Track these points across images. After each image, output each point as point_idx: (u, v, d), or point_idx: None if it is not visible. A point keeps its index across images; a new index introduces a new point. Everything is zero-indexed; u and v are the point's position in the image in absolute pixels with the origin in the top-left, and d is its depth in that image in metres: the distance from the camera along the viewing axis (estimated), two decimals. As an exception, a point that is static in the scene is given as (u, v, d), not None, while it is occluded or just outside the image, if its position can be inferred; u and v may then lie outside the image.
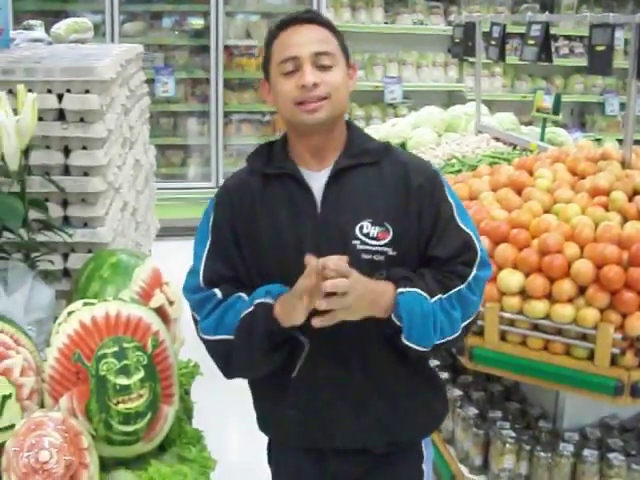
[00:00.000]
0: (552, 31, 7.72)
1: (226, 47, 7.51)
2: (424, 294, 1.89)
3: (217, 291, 1.98)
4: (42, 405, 1.89)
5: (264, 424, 2.15)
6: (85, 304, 1.95)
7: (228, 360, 1.97)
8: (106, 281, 2.24)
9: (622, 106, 8.60)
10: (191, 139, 7.82)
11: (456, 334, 1.96)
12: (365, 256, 1.91)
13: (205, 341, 1.99)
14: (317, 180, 1.97)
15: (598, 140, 7.72)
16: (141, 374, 1.86)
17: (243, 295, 1.95)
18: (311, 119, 1.90)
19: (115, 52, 3.21)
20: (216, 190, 7.27)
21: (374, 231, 1.92)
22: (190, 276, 2.05)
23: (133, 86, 3.78)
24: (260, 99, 7.75)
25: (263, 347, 1.90)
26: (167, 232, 6.59)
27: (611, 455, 2.88)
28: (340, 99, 1.93)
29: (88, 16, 6.91)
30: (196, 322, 2.02)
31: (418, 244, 1.96)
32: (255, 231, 1.98)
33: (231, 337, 1.93)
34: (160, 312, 2.13)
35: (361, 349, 1.96)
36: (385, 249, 1.92)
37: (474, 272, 1.98)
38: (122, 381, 1.84)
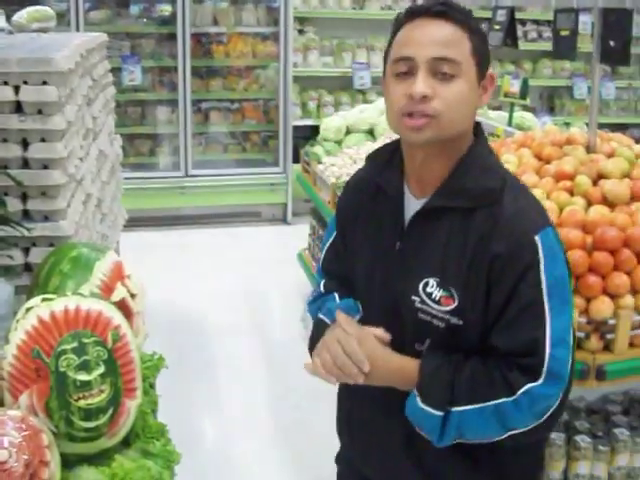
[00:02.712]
0: (520, 16, 7.78)
1: (194, 34, 7.45)
2: (434, 412, 1.68)
3: (322, 282, 2.05)
4: (2, 403, 1.87)
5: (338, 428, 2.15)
6: (44, 299, 1.92)
7: (312, 340, 1.98)
8: (66, 276, 2.22)
9: (591, 90, 8.65)
10: (159, 128, 7.76)
11: (494, 439, 1.71)
12: (423, 316, 1.73)
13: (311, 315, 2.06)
14: (414, 208, 1.76)
15: (567, 124, 7.77)
16: (102, 369, 1.85)
17: (336, 295, 1.98)
18: (415, 137, 1.65)
19: (76, 42, 3.17)
20: (185, 179, 7.27)
21: (437, 293, 1.71)
22: (320, 259, 2.12)
23: (96, 76, 3.74)
24: (228, 87, 7.72)
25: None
26: (136, 222, 6.57)
27: (578, 437, 2.90)
28: (453, 119, 1.64)
29: (53, 4, 6.84)
30: None
31: (484, 318, 1.70)
32: (350, 241, 1.95)
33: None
34: (122, 305, 2.12)
35: (409, 433, 1.80)
36: (447, 317, 1.71)
37: (528, 386, 1.64)
38: (82, 377, 1.82)
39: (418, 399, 1.71)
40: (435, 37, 1.63)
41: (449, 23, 1.65)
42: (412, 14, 1.68)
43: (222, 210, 7.53)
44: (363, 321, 1.86)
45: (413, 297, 1.74)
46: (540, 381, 1.64)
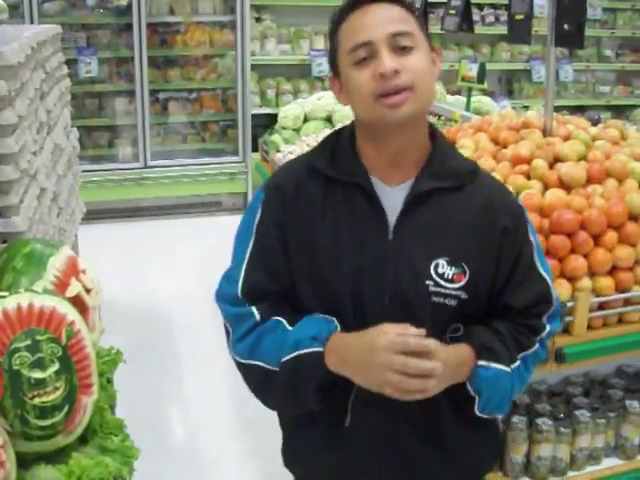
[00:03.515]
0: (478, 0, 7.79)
1: (150, 24, 7.38)
2: (507, 369, 1.74)
3: (255, 311, 1.74)
4: (-45, 403, 1.84)
5: (292, 462, 1.97)
6: (-4, 297, 1.89)
7: (261, 389, 1.80)
8: (19, 272, 2.18)
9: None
10: (117, 119, 7.68)
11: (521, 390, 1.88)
12: (436, 299, 1.70)
13: (237, 362, 1.81)
14: (391, 197, 1.71)
15: (526, 107, 7.83)
16: (56, 366, 1.82)
17: (283, 322, 1.72)
18: (396, 115, 1.62)
19: (26, 34, 3.11)
20: (144, 170, 7.18)
21: (450, 272, 1.69)
22: (227, 282, 1.81)
23: (50, 68, 3.69)
24: (186, 77, 7.66)
25: (309, 398, 1.72)
26: (96, 215, 6.52)
27: (539, 420, 2.91)
28: (426, 89, 1.65)
29: (5, -4, 6.73)
30: (228, 334, 1.82)
31: (492, 288, 1.77)
32: (311, 244, 1.72)
33: (266, 366, 1.73)
34: (77, 301, 2.09)
35: (427, 403, 1.67)
36: (459, 293, 1.70)
37: (547, 328, 1.84)
38: (37, 375, 1.79)
39: (492, 364, 1.72)
40: (387, 16, 1.65)
41: (392, 4, 1.68)
42: (353, 4, 1.69)
43: (182, 201, 7.49)
44: (356, 328, 1.69)
45: (427, 282, 1.69)
46: (551, 322, 1.85)
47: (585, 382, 3.21)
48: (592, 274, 2.81)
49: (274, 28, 7.80)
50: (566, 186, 3.03)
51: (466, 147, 3.41)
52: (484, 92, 6.47)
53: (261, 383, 1.78)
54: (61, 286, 2.17)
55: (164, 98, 7.77)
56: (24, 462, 1.82)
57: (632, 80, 9.40)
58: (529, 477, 2.90)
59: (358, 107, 1.69)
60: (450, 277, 1.69)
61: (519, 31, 3.60)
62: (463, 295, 1.71)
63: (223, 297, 1.81)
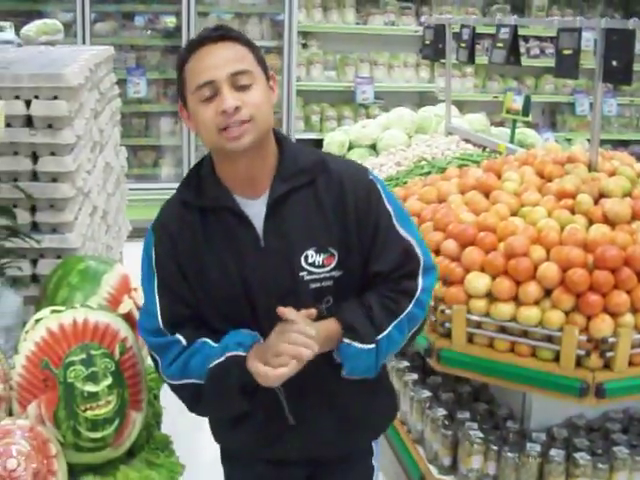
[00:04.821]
0: (523, 32, 7.82)
1: (198, 47, 7.48)
2: (369, 347, 1.88)
3: (180, 338, 1.89)
4: (10, 413, 1.90)
5: (218, 437, 2.14)
6: (52, 311, 1.96)
7: (194, 401, 1.92)
8: (74, 288, 2.25)
9: (592, 106, 8.67)
10: (163, 140, 7.78)
11: (401, 347, 1.99)
12: (313, 285, 1.89)
13: (170, 385, 1.93)
14: (255, 207, 1.89)
15: (569, 140, 7.81)
16: (109, 381, 1.88)
17: (209, 341, 1.88)
18: (237, 146, 1.80)
19: (84, 56, 3.21)
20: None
21: (319, 258, 1.89)
22: (146, 316, 1.94)
23: (103, 89, 3.78)
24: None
25: (236, 399, 1.88)
26: (139, 233, 6.57)
27: (577, 455, 2.92)
28: (264, 119, 1.83)
29: (59, 15, 6.88)
30: (156, 362, 1.93)
31: (362, 259, 1.93)
32: (202, 268, 1.89)
33: (196, 381, 1.87)
34: (128, 318, 2.15)
35: (318, 371, 1.89)
36: (332, 273, 1.90)
37: (420, 285, 1.95)
38: (90, 388, 1.85)
39: (354, 343, 1.88)
40: (226, 56, 1.81)
41: (231, 43, 1.84)
42: (195, 45, 1.83)
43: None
44: (262, 327, 1.88)
45: (301, 274, 1.87)
46: (425, 277, 1.96)
47: (624, 418, 3.21)
48: (635, 310, 2.82)
49: (320, 54, 7.87)
50: (610, 222, 3.04)
51: (512, 180, 3.44)
52: (528, 124, 6.47)
53: (193, 397, 1.91)
54: (114, 302, 2.23)
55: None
56: (73, 473, 1.88)
57: (676, 115, 9.34)
58: (565, 511, 2.90)
59: (205, 138, 1.85)
60: (321, 263, 1.89)
61: (567, 66, 3.63)
62: (336, 274, 1.90)
63: (146, 330, 1.94)
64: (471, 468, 3.02)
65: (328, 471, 2.11)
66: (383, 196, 1.97)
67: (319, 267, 1.89)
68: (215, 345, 1.87)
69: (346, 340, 1.88)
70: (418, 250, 1.97)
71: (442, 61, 5.94)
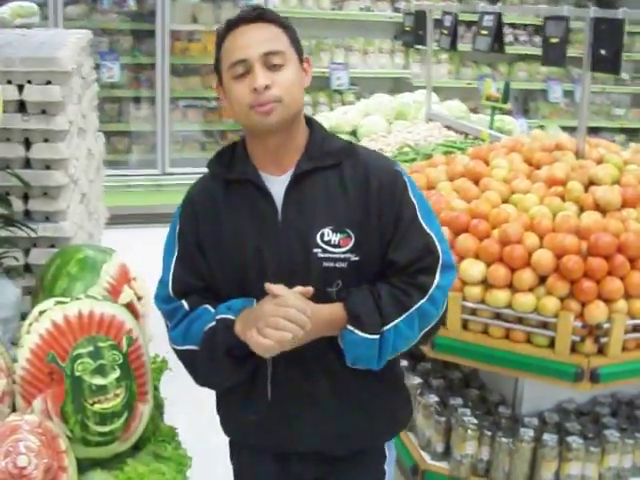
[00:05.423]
0: (496, 19, 7.81)
1: (171, 32, 7.40)
2: (373, 337, 1.87)
3: (184, 303, 1.98)
4: (14, 407, 1.86)
5: (226, 426, 2.18)
6: (57, 303, 1.91)
7: (195, 370, 1.99)
8: (74, 278, 2.20)
9: (565, 93, 8.74)
10: (136, 125, 7.70)
11: (412, 344, 1.96)
12: (327, 264, 1.90)
13: (175, 350, 2.00)
14: (278, 184, 1.94)
15: (542, 127, 7.85)
16: (117, 373, 1.84)
17: (209, 307, 1.95)
18: (265, 122, 1.86)
19: (70, 40, 3.14)
20: (162, 177, 7.23)
21: (335, 238, 1.90)
22: (160, 286, 2.04)
23: (84, 73, 3.71)
24: (206, 85, 7.68)
25: (225, 362, 1.90)
26: (112, 220, 6.51)
27: (570, 439, 2.94)
28: (294, 99, 1.89)
29: (31, -3, 6.75)
30: (168, 329, 2.02)
31: (380, 247, 1.93)
32: (219, 237, 1.96)
33: (196, 347, 1.94)
34: (130, 308, 2.11)
35: (324, 357, 1.95)
36: (347, 255, 1.90)
37: (436, 281, 1.93)
38: (98, 381, 1.81)
39: (357, 331, 1.87)
40: (260, 37, 1.87)
41: (267, 23, 1.90)
42: (233, 25, 1.90)
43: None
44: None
45: (315, 250, 1.89)
46: (442, 275, 1.94)
47: (613, 402, 3.24)
48: (628, 296, 2.84)
49: (294, 40, 7.83)
50: (601, 209, 3.06)
51: (501, 167, 3.44)
52: (504, 111, 6.49)
53: (194, 364, 1.97)
54: (114, 293, 2.19)
55: (183, 106, 7.78)
56: (80, 467, 1.83)
57: (646, 103, 9.45)
58: (559, 496, 2.92)
59: (238, 114, 1.92)
60: (336, 242, 1.90)
61: (554, 54, 3.62)
62: (353, 257, 1.90)
63: (159, 298, 2.04)
64: (465, 454, 3.03)
65: (338, 473, 2.10)
66: (409, 188, 1.98)
67: (334, 246, 1.90)
68: (213, 311, 1.93)
69: (349, 327, 1.88)
70: (439, 247, 1.96)
71: (419, 47, 5.93)
